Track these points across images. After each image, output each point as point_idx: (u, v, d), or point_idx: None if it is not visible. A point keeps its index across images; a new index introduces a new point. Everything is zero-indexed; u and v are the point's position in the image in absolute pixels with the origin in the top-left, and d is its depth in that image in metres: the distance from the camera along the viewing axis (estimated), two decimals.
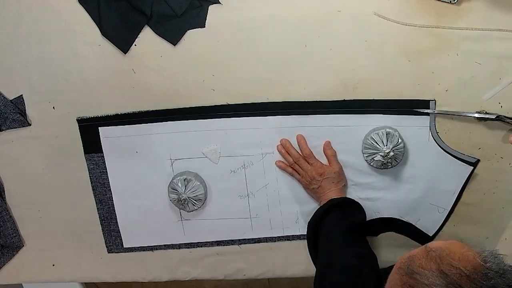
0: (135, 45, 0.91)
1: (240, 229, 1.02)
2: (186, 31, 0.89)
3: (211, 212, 1.01)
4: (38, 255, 1.08)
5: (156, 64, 0.92)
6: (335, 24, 0.87)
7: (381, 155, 0.89)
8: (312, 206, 0.97)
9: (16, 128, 0.98)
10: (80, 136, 0.97)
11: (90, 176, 1.00)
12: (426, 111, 0.89)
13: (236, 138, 0.95)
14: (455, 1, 0.82)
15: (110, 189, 1.01)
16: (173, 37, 0.90)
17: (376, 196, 0.96)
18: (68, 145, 0.98)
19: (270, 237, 1.02)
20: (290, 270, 1.04)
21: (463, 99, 0.88)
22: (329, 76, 0.90)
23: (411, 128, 0.90)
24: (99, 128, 0.96)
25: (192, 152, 0.97)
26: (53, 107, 0.96)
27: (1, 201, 1.02)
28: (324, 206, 0.89)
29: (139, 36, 0.90)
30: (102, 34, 0.90)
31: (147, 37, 0.90)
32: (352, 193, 0.96)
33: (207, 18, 0.89)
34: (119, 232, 1.04)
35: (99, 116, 0.96)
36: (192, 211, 0.99)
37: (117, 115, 0.95)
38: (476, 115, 0.87)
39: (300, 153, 0.94)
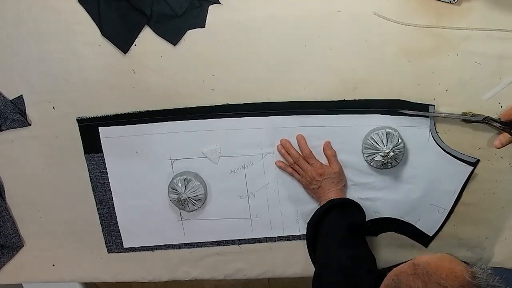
0: (135, 45, 0.91)
1: (240, 229, 1.02)
2: (186, 31, 0.89)
3: (211, 212, 1.01)
4: (38, 255, 1.08)
5: (156, 64, 0.92)
6: (335, 24, 0.87)
7: (381, 155, 0.89)
8: (312, 206, 0.97)
9: (16, 128, 0.98)
10: (80, 136, 0.97)
11: (90, 176, 1.00)
12: (409, 112, 0.88)
13: (236, 138, 0.95)
14: (455, 1, 0.82)
15: (110, 189, 1.01)
16: (173, 37, 0.90)
17: (376, 196, 0.96)
18: (68, 145, 0.98)
19: (270, 237, 1.02)
20: (290, 270, 1.04)
21: (463, 99, 0.88)
22: (329, 76, 0.90)
23: (411, 128, 0.90)
24: (99, 128, 0.96)
25: (192, 152, 0.97)
26: (53, 107, 0.96)
27: (1, 201, 1.02)
28: (324, 206, 0.89)
29: (139, 36, 0.90)
30: (102, 34, 0.90)
31: (147, 37, 0.90)
32: (352, 193, 0.96)
33: (207, 18, 0.89)
34: (119, 232, 1.04)
35: (99, 116, 0.96)
36: (192, 211, 0.99)
37: (117, 115, 0.95)
38: (463, 117, 0.87)
39: (300, 153, 0.94)
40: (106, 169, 0.99)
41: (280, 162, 0.96)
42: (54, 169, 1.01)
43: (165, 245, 1.05)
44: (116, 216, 1.03)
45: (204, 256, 1.05)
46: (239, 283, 1.67)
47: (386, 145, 0.88)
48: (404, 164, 0.93)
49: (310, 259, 0.92)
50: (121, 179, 1.00)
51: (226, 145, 0.95)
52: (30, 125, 0.98)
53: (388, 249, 1.00)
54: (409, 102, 0.89)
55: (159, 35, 0.90)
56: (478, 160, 0.90)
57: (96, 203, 1.02)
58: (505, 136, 0.83)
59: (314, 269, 0.87)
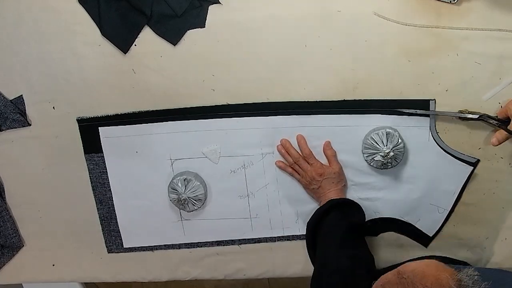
0: (135, 45, 0.91)
1: (240, 229, 1.02)
2: (186, 31, 0.89)
3: (211, 212, 1.01)
4: (38, 255, 1.08)
5: (156, 64, 0.92)
6: (335, 24, 0.87)
7: (381, 155, 0.89)
8: (312, 206, 0.97)
9: (16, 128, 0.98)
10: (80, 136, 0.97)
11: (90, 176, 1.00)
12: (406, 111, 0.88)
13: (236, 138, 0.95)
14: (455, 1, 0.82)
15: (110, 189, 1.01)
16: (173, 37, 0.90)
17: (376, 196, 0.96)
18: (68, 145, 0.98)
19: (270, 237, 1.02)
20: (290, 270, 1.04)
21: (463, 99, 0.88)
22: (329, 76, 0.90)
23: (411, 128, 0.90)
24: (99, 128, 0.96)
25: (192, 152, 0.97)
26: (53, 107, 0.96)
27: (1, 201, 1.03)
28: (324, 207, 0.89)
29: (139, 36, 0.90)
30: (102, 34, 0.90)
31: (147, 37, 0.90)
32: (352, 193, 0.96)
33: (207, 18, 0.89)
34: (119, 232, 1.04)
35: (99, 116, 0.96)
36: (192, 211, 0.99)
37: (117, 115, 0.95)
38: (459, 114, 0.87)
39: (300, 153, 0.94)
40: (106, 169, 0.99)
41: (280, 162, 0.96)
42: (54, 169, 1.01)
43: (165, 245, 1.05)
44: (116, 216, 1.03)
45: (204, 256, 1.05)
46: (239, 283, 1.67)
47: (386, 145, 0.88)
48: (404, 164, 0.93)
49: (309, 259, 0.92)
50: (121, 179, 1.00)
51: (226, 145, 0.95)
52: (30, 125, 0.98)
53: (388, 249, 1.00)
54: (409, 99, 0.89)
55: (159, 35, 0.90)
56: (478, 160, 0.90)
57: (96, 203, 1.02)
58: (501, 133, 0.83)
59: (314, 269, 0.87)
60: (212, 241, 1.03)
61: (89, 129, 0.97)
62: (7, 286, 1.15)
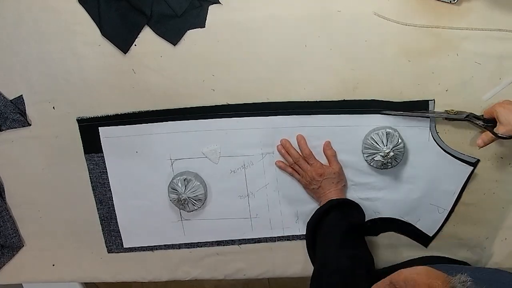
0: (135, 45, 0.91)
1: (240, 229, 1.02)
2: (186, 31, 0.89)
3: (211, 212, 1.01)
4: (38, 255, 1.08)
5: (156, 64, 0.92)
6: (335, 24, 0.87)
7: (381, 155, 0.89)
8: (312, 206, 0.97)
9: (16, 128, 0.98)
10: (80, 136, 0.97)
11: (90, 176, 1.00)
12: (388, 112, 0.89)
13: (236, 138, 0.95)
14: (455, 1, 0.82)
15: (110, 189, 1.01)
16: (173, 37, 0.90)
17: (376, 196, 0.96)
18: (68, 145, 0.98)
19: (270, 237, 1.02)
20: (290, 270, 1.04)
21: (463, 99, 0.88)
22: (329, 76, 0.90)
23: (411, 128, 0.90)
24: (99, 128, 0.96)
25: (192, 152, 0.97)
26: (53, 107, 0.96)
27: (1, 201, 1.03)
28: (324, 207, 0.89)
29: (139, 36, 0.90)
30: (102, 34, 0.90)
31: (147, 37, 0.90)
32: (352, 193, 0.96)
33: (207, 18, 0.89)
34: (119, 232, 1.04)
35: (99, 116, 0.96)
36: (192, 211, 0.99)
37: (117, 115, 0.95)
38: (445, 115, 0.87)
39: (300, 153, 0.94)
40: (106, 169, 0.99)
41: (280, 162, 0.96)
42: (54, 169, 1.01)
43: (165, 245, 1.05)
44: (116, 216, 1.03)
45: (204, 256, 1.05)
46: (239, 283, 1.67)
47: (386, 145, 0.88)
48: (404, 164, 0.93)
49: (309, 259, 0.92)
50: (121, 179, 1.00)
51: (226, 145, 0.95)
52: (30, 125, 0.98)
53: (388, 249, 1.00)
54: (409, 100, 0.89)
55: (159, 35, 0.90)
56: (478, 160, 0.90)
57: (96, 203, 1.02)
58: (487, 134, 0.82)
59: (313, 269, 0.87)
60: (212, 241, 1.03)
61: (89, 129, 0.97)
62: (7, 286, 1.15)
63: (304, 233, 0.94)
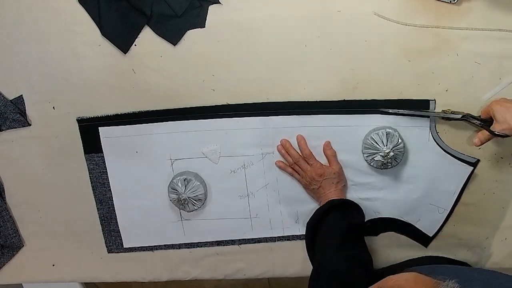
0: (135, 45, 0.91)
1: (240, 229, 1.02)
2: (186, 31, 0.89)
3: (211, 212, 1.01)
4: (38, 255, 1.08)
5: (156, 64, 0.92)
6: (335, 24, 0.87)
7: (381, 155, 0.89)
8: (312, 206, 0.97)
9: (16, 128, 0.98)
10: (80, 136, 0.97)
11: (90, 176, 1.00)
12: (386, 111, 0.89)
13: (236, 138, 0.95)
14: (455, 1, 0.82)
15: (110, 189, 1.01)
16: (173, 37, 0.90)
17: (376, 196, 0.96)
18: (68, 145, 0.98)
19: (270, 237, 1.02)
20: (290, 270, 1.04)
21: (463, 99, 0.88)
22: (329, 76, 0.90)
23: (411, 128, 0.90)
24: (99, 128, 0.96)
25: (192, 152, 0.97)
26: (53, 107, 0.96)
27: (1, 201, 1.03)
28: (324, 207, 0.89)
29: (139, 36, 0.90)
30: (102, 34, 0.90)
31: (147, 37, 0.90)
32: (352, 193, 0.96)
33: (207, 18, 0.89)
34: (119, 232, 1.04)
35: (99, 116, 0.96)
36: (192, 211, 0.99)
37: (117, 115, 0.95)
38: (442, 115, 0.87)
39: (300, 154, 0.93)
40: (106, 169, 0.99)
41: (280, 162, 0.96)
42: (54, 169, 1.01)
43: (165, 245, 1.05)
44: (116, 216, 1.03)
45: (204, 256, 1.05)
46: (239, 283, 1.68)
47: (386, 145, 0.88)
48: (404, 164, 0.93)
49: (309, 259, 0.92)
50: (121, 179, 1.00)
51: (226, 145, 0.95)
52: (30, 125, 0.98)
53: (388, 249, 1.00)
54: (409, 99, 0.89)
55: (159, 35, 0.90)
56: (478, 160, 0.90)
57: (96, 203, 1.02)
58: (484, 133, 0.82)
59: (312, 268, 0.87)
60: (212, 241, 1.03)
61: (89, 129, 0.97)
62: (7, 286, 1.15)
63: (304, 233, 0.94)
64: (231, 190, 0.99)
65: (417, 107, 0.89)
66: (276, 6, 0.87)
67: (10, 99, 0.96)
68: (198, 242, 1.04)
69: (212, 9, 0.88)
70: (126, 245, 1.05)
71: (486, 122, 0.83)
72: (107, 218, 1.03)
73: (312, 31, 0.88)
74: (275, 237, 1.02)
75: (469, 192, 0.93)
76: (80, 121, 0.96)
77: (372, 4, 0.85)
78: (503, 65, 0.85)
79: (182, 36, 0.90)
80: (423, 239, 0.98)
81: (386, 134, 0.89)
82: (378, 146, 0.89)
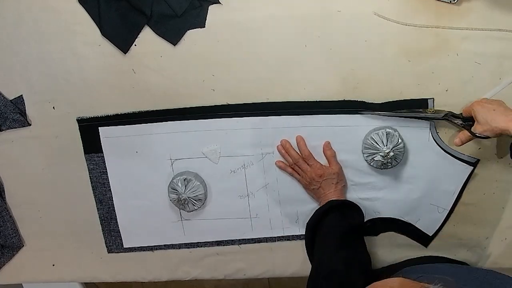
0: (135, 45, 0.91)
1: (240, 229, 1.02)
2: (186, 31, 0.89)
3: (211, 212, 1.01)
4: (38, 255, 1.08)
5: (156, 64, 0.92)
6: (335, 24, 0.87)
7: (381, 155, 0.89)
8: (312, 206, 0.97)
9: (16, 128, 0.98)
10: (80, 136, 0.97)
11: (90, 176, 1.00)
12: (371, 113, 0.89)
13: (236, 138, 0.95)
14: (455, 1, 0.82)
15: (110, 189, 1.01)
16: (173, 37, 0.90)
17: (376, 196, 0.96)
18: (68, 145, 0.98)
19: (270, 237, 1.02)
20: (290, 270, 1.04)
21: (463, 99, 0.88)
22: (329, 76, 0.90)
23: (411, 128, 0.90)
24: (99, 128, 0.96)
25: (192, 152, 0.97)
26: (53, 107, 0.96)
27: (1, 201, 1.03)
28: (323, 207, 0.89)
29: (139, 36, 0.90)
30: (102, 34, 0.90)
31: (147, 37, 0.90)
32: (352, 193, 0.96)
33: (207, 18, 0.89)
34: (119, 232, 1.04)
35: (99, 116, 0.96)
36: (192, 211, 0.99)
37: (117, 115, 0.95)
38: (423, 115, 0.87)
39: (300, 154, 0.93)
40: (106, 169, 0.99)
41: (280, 162, 0.96)
42: (54, 169, 1.01)
43: (165, 245, 1.05)
44: (116, 216, 1.03)
45: (204, 256, 1.05)
46: (239, 283, 1.67)
47: (386, 145, 0.88)
48: (404, 164, 0.93)
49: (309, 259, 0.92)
50: (121, 179, 1.00)
51: (226, 145, 0.95)
52: (30, 125, 0.98)
53: (387, 249, 1.00)
54: (408, 99, 0.89)
55: (159, 35, 0.90)
56: (478, 160, 0.90)
57: (96, 203, 1.02)
58: (465, 133, 0.83)
59: (310, 269, 0.87)
60: (212, 241, 1.03)
61: (89, 129, 0.97)
62: (7, 286, 1.15)
63: (304, 233, 0.94)
64: (231, 190, 0.99)
65: (415, 107, 0.89)
66: (276, 6, 0.87)
67: (10, 99, 0.96)
68: (198, 242, 1.04)
69: (212, 9, 0.88)
70: (126, 245, 1.05)
71: (468, 121, 0.83)
72: (107, 218, 1.03)
73: (312, 31, 0.88)
74: (275, 237, 1.02)
75: (469, 192, 0.93)
76: (80, 121, 0.96)
77: (372, 4, 0.85)
78: (503, 65, 0.85)
79: (182, 36, 0.90)
80: (423, 239, 0.98)
81: (386, 134, 0.89)
82: (378, 146, 0.89)
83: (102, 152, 0.98)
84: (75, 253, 1.07)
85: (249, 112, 0.93)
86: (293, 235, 1.01)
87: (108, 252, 1.06)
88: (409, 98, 0.89)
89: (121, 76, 0.93)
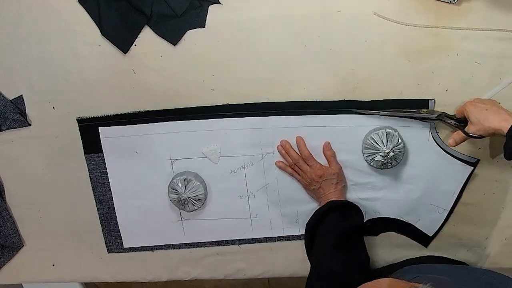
0: (135, 45, 0.91)
1: (240, 229, 1.02)
2: (186, 31, 0.89)
3: (211, 212, 1.01)
4: (38, 255, 1.08)
5: (156, 64, 0.92)
6: (335, 24, 0.87)
7: (381, 155, 0.89)
8: (312, 206, 0.97)
9: (16, 128, 0.98)
10: (80, 136, 0.97)
11: (90, 176, 1.00)
12: (365, 112, 0.89)
13: (236, 138, 0.95)
14: (455, 1, 0.82)
15: (110, 189, 1.01)
16: (173, 37, 0.90)
17: (376, 196, 0.96)
18: (68, 145, 0.98)
19: (270, 237, 1.02)
20: (290, 270, 1.04)
21: (463, 99, 0.88)
22: (329, 76, 0.90)
23: (411, 128, 0.90)
24: (99, 128, 0.96)
25: (192, 152, 0.97)
26: (53, 107, 0.96)
27: (1, 201, 1.03)
28: (323, 208, 0.89)
29: (139, 36, 0.90)
30: (102, 34, 0.90)
31: (147, 37, 0.90)
32: (352, 193, 0.96)
33: (207, 18, 0.89)
34: (119, 232, 1.04)
35: (99, 116, 0.96)
36: (192, 211, 0.99)
37: (117, 115, 0.95)
38: (416, 115, 0.87)
39: (300, 155, 0.93)
40: (106, 169, 0.99)
41: (280, 162, 0.96)
42: (54, 169, 1.01)
43: (165, 245, 1.05)
44: (116, 216, 1.03)
45: (204, 256, 1.05)
46: (239, 283, 1.67)
47: (386, 145, 0.89)
48: (404, 164, 0.93)
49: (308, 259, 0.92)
50: (121, 179, 1.00)
51: (226, 145, 0.95)
52: (30, 125, 0.98)
53: (387, 249, 1.00)
54: (409, 99, 0.89)
55: (159, 35, 0.90)
56: (478, 160, 0.90)
57: (96, 203, 1.02)
58: (459, 134, 0.83)
59: (309, 269, 0.87)
60: (212, 241, 1.03)
61: (89, 129, 0.97)
62: (7, 286, 1.15)
63: (304, 233, 0.94)
64: (231, 190, 0.99)
65: (416, 107, 0.89)
66: (276, 6, 0.87)
67: (10, 99, 0.96)
68: (198, 242, 1.04)
69: (212, 9, 0.88)
70: (126, 245, 1.05)
71: (461, 122, 0.83)
72: (107, 218, 1.03)
73: (312, 31, 0.88)
74: (275, 237, 1.02)
75: (469, 192, 0.93)
76: (80, 121, 0.96)
77: (372, 4, 0.85)
78: (503, 65, 0.85)
79: (182, 36, 0.90)
80: (423, 239, 0.98)
81: (386, 134, 0.89)
82: (378, 146, 0.89)
83: (102, 152, 0.98)
84: (75, 253, 1.07)
85: (249, 112, 0.93)
86: (293, 235, 1.01)
87: (108, 252, 1.06)
88: (409, 98, 0.89)
89: (121, 76, 0.93)
